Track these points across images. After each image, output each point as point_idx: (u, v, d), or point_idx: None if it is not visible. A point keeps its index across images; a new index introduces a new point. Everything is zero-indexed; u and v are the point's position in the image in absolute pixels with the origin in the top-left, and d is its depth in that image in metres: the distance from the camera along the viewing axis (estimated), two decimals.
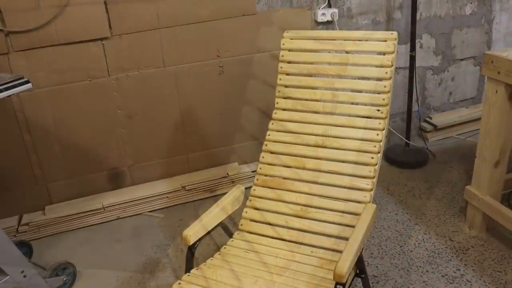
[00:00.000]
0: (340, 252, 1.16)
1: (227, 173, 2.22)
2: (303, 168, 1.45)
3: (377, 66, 1.40)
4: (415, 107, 2.45)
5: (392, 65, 1.38)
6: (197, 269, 1.28)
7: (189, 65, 2.09)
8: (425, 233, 1.84)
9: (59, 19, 1.84)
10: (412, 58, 2.27)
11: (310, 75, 1.52)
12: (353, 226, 1.23)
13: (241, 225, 1.46)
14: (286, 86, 1.54)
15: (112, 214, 2.11)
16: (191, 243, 1.24)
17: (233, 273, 1.27)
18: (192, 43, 2.06)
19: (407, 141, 2.45)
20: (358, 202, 1.34)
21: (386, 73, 1.38)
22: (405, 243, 1.80)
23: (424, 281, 1.59)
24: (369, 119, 1.40)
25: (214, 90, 2.17)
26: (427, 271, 1.64)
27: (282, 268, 1.29)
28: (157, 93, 2.09)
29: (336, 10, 2.21)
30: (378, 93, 1.39)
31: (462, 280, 1.59)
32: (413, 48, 2.25)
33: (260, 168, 1.50)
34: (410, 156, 2.41)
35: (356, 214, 1.33)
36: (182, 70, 2.09)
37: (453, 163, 2.37)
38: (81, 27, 1.88)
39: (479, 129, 1.69)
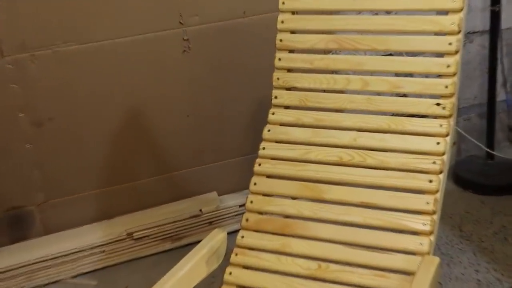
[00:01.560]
0: None
1: (200, 210, 2.23)
2: (320, 200, 1.45)
3: (435, 33, 1.41)
4: (501, 96, 2.47)
5: (459, 31, 1.39)
6: None
7: (135, 39, 2.11)
8: None
9: None
10: (496, 16, 2.30)
11: (328, 51, 1.53)
12: None
13: None
14: (289, 70, 1.55)
15: (12, 283, 2.10)
16: None
17: None
18: (139, 2, 2.07)
19: (489, 150, 2.47)
20: (410, 253, 1.34)
21: (450, 43, 1.39)
22: None
23: None
24: (423, 119, 1.41)
25: (176, 79, 2.19)
26: None
27: None
28: (84, 85, 2.11)
29: None
30: (438, 77, 1.40)
31: None
32: (496, 0, 2.27)
33: (251, 202, 1.50)
34: (496, 175, 2.44)
35: (407, 273, 1.33)
36: (124, 47, 2.11)
37: None
38: None
39: None
